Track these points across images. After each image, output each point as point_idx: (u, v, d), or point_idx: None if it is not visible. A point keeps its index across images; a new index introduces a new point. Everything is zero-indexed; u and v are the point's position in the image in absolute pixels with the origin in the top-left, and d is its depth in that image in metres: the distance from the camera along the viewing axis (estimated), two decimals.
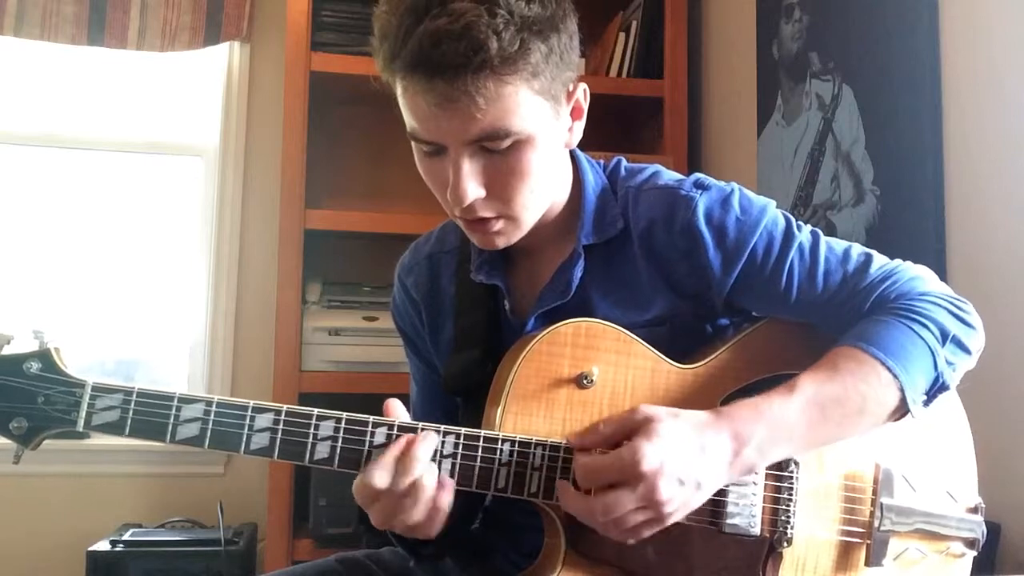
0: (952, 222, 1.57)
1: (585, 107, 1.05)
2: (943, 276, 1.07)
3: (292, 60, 2.38)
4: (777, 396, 0.93)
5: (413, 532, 0.93)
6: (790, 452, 0.97)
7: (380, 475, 0.88)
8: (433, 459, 0.91)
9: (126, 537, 2.29)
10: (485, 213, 0.99)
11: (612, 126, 2.71)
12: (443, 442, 0.93)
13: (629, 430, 0.90)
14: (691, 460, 0.88)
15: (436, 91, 0.91)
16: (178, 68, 2.77)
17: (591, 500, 0.89)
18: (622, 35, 2.58)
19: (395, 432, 0.92)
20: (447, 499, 0.91)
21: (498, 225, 1.01)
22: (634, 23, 2.56)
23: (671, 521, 0.89)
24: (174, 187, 2.81)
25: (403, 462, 0.89)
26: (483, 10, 0.89)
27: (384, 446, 0.91)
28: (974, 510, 1.08)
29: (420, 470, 0.89)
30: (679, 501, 0.88)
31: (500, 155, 0.96)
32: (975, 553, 1.08)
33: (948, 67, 1.59)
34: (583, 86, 1.04)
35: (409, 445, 0.90)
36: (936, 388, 0.99)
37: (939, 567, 1.06)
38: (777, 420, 0.92)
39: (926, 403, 0.99)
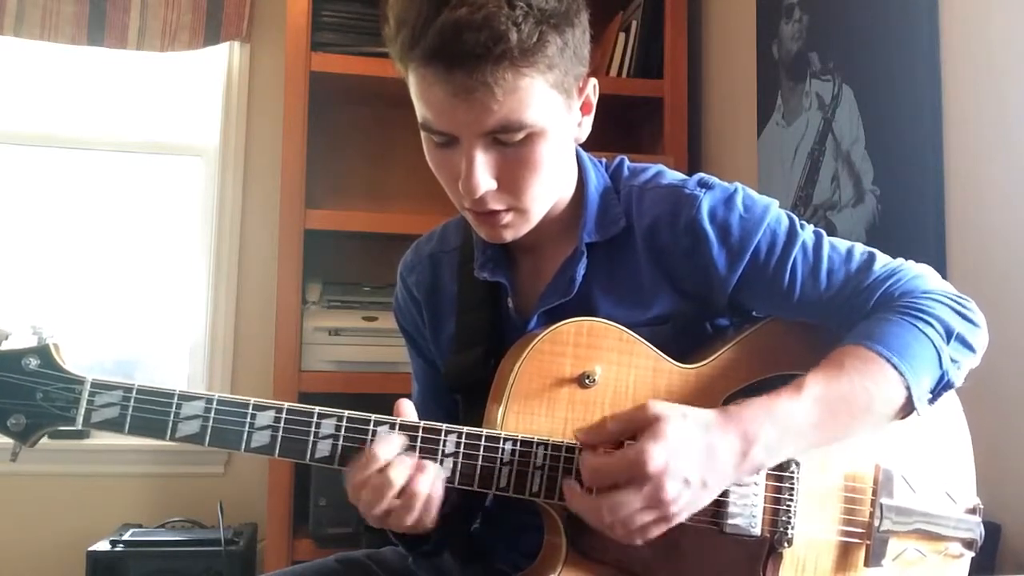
0: (952, 222, 1.57)
1: (594, 102, 1.06)
2: (943, 276, 1.08)
3: (292, 60, 2.38)
4: (785, 395, 0.93)
5: (408, 527, 0.92)
6: (798, 451, 0.97)
7: (352, 468, 0.90)
8: (432, 458, 0.92)
9: (126, 537, 2.29)
10: (496, 206, 0.99)
11: (612, 126, 2.71)
12: (444, 441, 0.93)
13: (637, 428, 0.90)
14: (697, 460, 0.88)
15: (454, 81, 0.91)
16: (178, 68, 2.76)
17: (597, 500, 0.88)
18: (622, 35, 2.58)
19: (396, 430, 0.92)
20: (424, 482, 0.90)
21: (507, 218, 1.01)
22: (634, 23, 2.55)
23: (677, 521, 0.89)
24: (174, 187, 2.81)
25: (367, 457, 0.90)
26: (503, 1, 0.89)
27: None
28: (972, 511, 1.08)
29: (377, 466, 0.89)
30: (685, 501, 0.88)
31: (513, 147, 0.96)
32: (973, 554, 1.08)
33: (948, 67, 1.59)
34: (593, 81, 1.04)
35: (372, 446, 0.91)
36: (941, 386, 0.99)
37: (938, 567, 1.06)
38: (785, 419, 0.91)
39: (931, 401, 0.98)
